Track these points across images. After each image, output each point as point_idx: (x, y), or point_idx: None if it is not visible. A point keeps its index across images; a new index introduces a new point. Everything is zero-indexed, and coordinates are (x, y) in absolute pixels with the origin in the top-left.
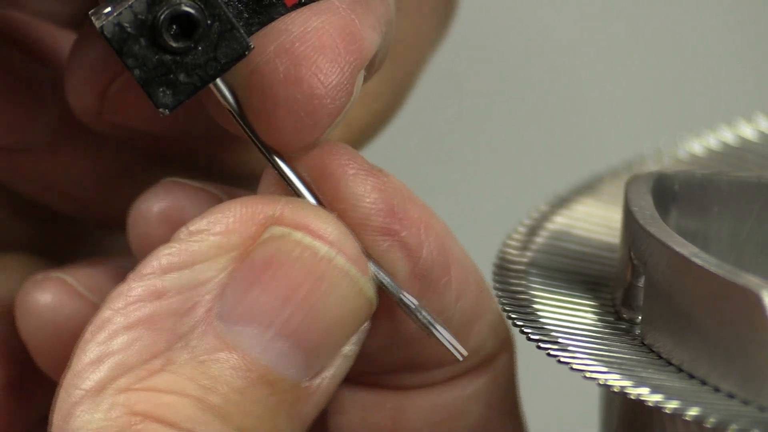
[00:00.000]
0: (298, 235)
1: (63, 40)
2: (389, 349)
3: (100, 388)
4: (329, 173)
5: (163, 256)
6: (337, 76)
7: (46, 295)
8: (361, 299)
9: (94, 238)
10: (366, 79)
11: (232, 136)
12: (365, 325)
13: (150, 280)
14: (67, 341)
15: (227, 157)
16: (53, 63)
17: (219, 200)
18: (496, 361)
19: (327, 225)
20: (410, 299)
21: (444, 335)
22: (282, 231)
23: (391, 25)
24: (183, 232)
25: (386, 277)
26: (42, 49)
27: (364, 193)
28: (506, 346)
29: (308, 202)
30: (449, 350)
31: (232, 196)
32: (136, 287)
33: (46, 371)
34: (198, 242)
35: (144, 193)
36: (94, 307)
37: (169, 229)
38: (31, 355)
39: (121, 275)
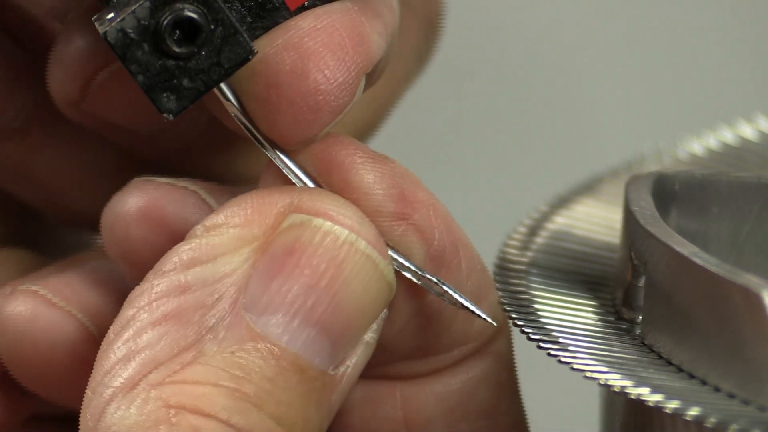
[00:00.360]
0: (318, 221)
1: (47, 26)
2: (400, 336)
3: (131, 385)
4: (337, 164)
5: (183, 252)
6: (343, 74)
7: (20, 308)
8: (382, 283)
9: (61, 234)
10: (367, 86)
11: (214, 141)
12: (384, 312)
13: (172, 275)
14: (44, 353)
15: (209, 162)
16: (34, 48)
17: (197, 196)
18: (497, 340)
19: (346, 210)
20: (436, 278)
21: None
22: (302, 218)
23: (395, 36)
24: (199, 229)
25: (406, 260)
26: (23, 33)
27: (375, 180)
28: (504, 325)
29: (324, 189)
30: (483, 321)
31: (210, 192)
32: (158, 284)
33: (25, 384)
34: (218, 236)
35: (117, 193)
36: (70, 317)
37: (150, 228)
38: (7, 368)
39: (94, 280)
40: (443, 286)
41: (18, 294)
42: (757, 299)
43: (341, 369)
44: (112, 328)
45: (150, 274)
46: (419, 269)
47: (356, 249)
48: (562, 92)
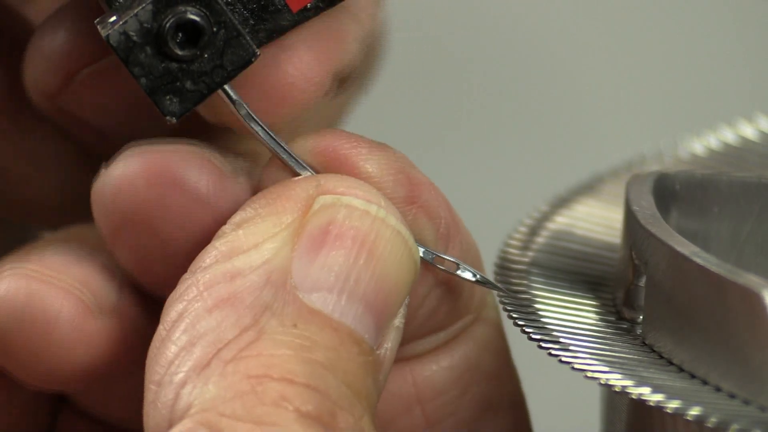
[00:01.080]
0: (347, 199)
1: (21, 12)
2: (412, 319)
3: (203, 364)
4: (343, 156)
5: (222, 245)
6: (314, 71)
7: (12, 289)
8: (411, 260)
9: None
10: (341, 90)
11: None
12: (407, 298)
13: (217, 266)
14: (44, 333)
15: None
16: (6, 34)
17: (199, 153)
18: (485, 309)
19: (370, 189)
20: (451, 257)
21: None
22: (331, 199)
23: (372, 46)
24: (228, 227)
25: (421, 247)
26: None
27: (382, 167)
28: (489, 294)
29: (341, 174)
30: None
31: (208, 148)
32: (203, 276)
33: (18, 372)
34: (252, 226)
35: (113, 161)
36: (67, 292)
37: (163, 188)
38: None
39: (73, 258)
40: (459, 263)
41: (5, 275)
42: (757, 299)
43: (381, 351)
44: (161, 326)
45: (187, 274)
46: (433, 250)
47: (387, 224)
48: (563, 92)
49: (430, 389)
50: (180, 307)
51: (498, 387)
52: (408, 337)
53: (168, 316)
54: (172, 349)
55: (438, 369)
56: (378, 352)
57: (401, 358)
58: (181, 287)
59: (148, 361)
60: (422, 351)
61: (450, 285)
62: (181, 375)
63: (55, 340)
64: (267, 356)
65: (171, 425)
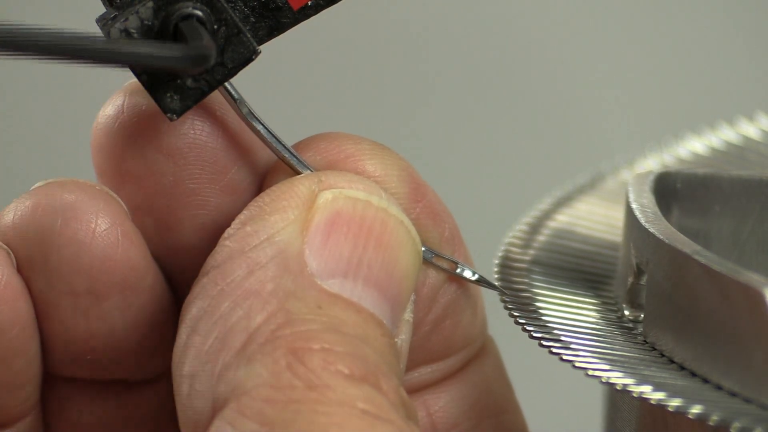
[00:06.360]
0: (350, 192)
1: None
2: (417, 339)
3: (241, 349)
4: (348, 154)
5: (232, 243)
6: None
7: (49, 193)
8: (415, 250)
9: None
10: None
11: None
12: (413, 296)
13: (232, 261)
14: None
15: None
16: None
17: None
18: (490, 342)
19: (369, 182)
20: (451, 257)
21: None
22: (333, 193)
23: None
24: (234, 226)
25: (422, 246)
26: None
27: (387, 164)
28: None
29: (340, 170)
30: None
31: None
32: (219, 272)
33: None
34: (260, 221)
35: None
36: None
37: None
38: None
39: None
40: (459, 263)
41: (38, 186)
42: (758, 297)
43: (398, 341)
44: (183, 326)
45: (201, 275)
46: (433, 249)
47: (389, 214)
48: (564, 90)
49: (444, 419)
50: (201, 303)
51: (509, 417)
52: (418, 359)
53: (190, 314)
54: (203, 342)
55: (450, 399)
56: (395, 340)
57: (414, 388)
58: (197, 287)
59: (176, 360)
60: (433, 380)
61: (446, 311)
62: (219, 364)
63: (96, 242)
64: (301, 332)
65: (214, 411)
